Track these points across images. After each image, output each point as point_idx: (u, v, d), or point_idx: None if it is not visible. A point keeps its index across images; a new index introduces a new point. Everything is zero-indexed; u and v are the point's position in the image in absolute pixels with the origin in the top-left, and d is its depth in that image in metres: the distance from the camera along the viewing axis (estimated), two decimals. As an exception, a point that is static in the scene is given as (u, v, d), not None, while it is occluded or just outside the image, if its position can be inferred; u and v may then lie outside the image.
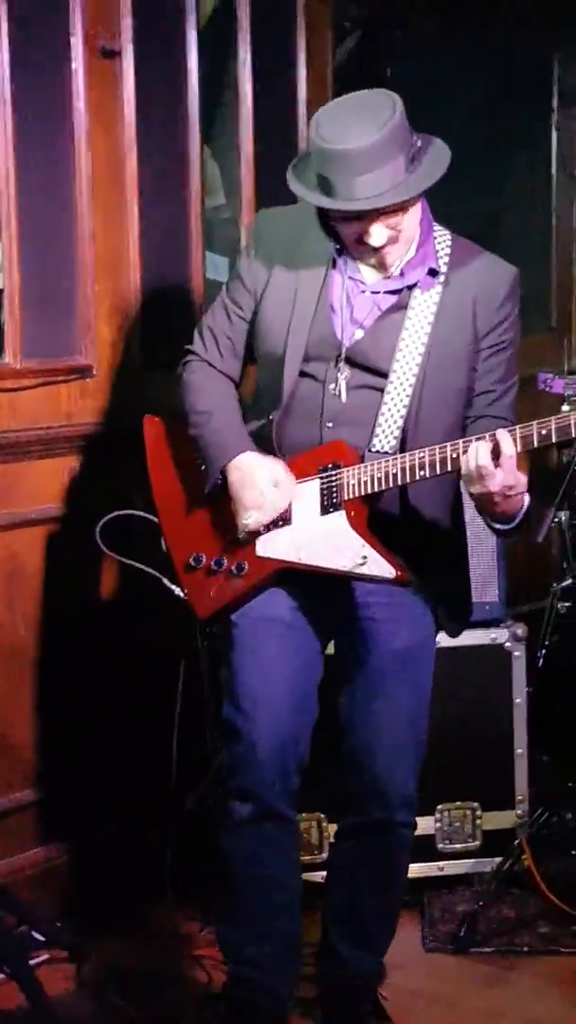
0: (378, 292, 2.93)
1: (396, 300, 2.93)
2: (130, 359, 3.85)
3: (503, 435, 2.66)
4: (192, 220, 4.00)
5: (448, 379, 2.91)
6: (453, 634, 3.13)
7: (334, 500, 2.88)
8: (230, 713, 2.95)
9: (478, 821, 3.81)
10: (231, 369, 3.08)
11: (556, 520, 3.57)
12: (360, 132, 2.69)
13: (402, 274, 2.92)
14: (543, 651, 4.22)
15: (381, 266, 2.90)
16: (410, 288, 2.91)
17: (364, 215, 2.76)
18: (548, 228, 5.46)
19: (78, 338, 3.75)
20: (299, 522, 2.92)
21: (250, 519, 2.91)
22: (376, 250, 2.83)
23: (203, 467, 3.00)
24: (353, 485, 2.86)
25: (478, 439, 2.70)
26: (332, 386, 2.90)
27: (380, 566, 2.82)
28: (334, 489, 2.89)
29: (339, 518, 2.87)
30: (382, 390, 2.89)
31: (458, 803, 3.79)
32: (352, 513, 2.86)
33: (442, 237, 2.95)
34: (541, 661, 4.21)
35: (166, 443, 3.19)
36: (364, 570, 2.84)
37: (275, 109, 4.20)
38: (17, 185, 3.57)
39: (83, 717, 3.78)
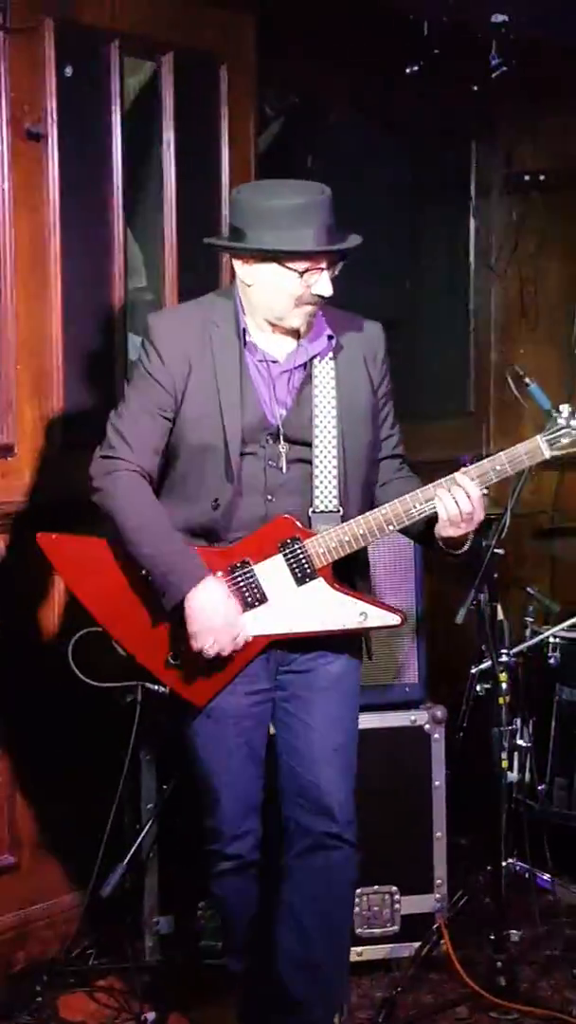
0: (288, 369, 3.14)
1: (304, 373, 3.14)
2: (52, 439, 3.90)
3: (465, 480, 3.02)
4: (115, 301, 4.08)
5: (362, 435, 3.19)
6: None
7: (307, 570, 3.09)
8: (199, 790, 3.21)
9: (396, 906, 3.83)
10: (155, 469, 3.14)
11: (475, 603, 3.63)
12: (308, 190, 3.03)
13: (301, 348, 3.14)
14: (462, 733, 4.24)
15: (306, 328, 3.11)
16: (311, 358, 3.14)
17: (331, 262, 3.02)
18: (466, 316, 5.55)
19: (0, 418, 3.80)
20: (277, 598, 3.10)
21: (212, 646, 3.03)
22: (313, 306, 3.05)
23: (157, 588, 3.06)
24: (322, 554, 3.08)
25: (437, 487, 3.04)
26: (272, 462, 3.10)
27: (383, 617, 3.14)
28: (303, 561, 3.08)
29: (319, 585, 3.10)
30: (310, 460, 3.11)
31: (376, 887, 3.83)
32: (328, 578, 3.09)
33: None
34: (460, 743, 4.23)
35: (75, 556, 3.19)
36: (368, 624, 3.14)
37: (198, 192, 4.27)
38: None
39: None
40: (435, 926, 3.83)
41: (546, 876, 4.21)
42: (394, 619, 3.16)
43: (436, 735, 3.92)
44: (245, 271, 3.08)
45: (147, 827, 3.51)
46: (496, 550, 3.75)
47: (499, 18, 4.85)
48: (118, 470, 3.09)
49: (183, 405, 3.09)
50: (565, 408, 3.11)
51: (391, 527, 3.09)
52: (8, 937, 3.82)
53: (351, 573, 3.19)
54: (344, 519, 3.11)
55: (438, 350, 5.40)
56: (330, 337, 3.16)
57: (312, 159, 4.69)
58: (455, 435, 5.38)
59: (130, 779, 3.74)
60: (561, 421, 3.10)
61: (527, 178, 5.45)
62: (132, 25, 4.07)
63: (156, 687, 3.16)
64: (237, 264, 3.10)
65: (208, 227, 4.27)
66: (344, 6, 4.60)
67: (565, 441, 3.08)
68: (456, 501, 3.02)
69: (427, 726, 3.90)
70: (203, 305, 3.21)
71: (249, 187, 3.18)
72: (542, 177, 5.44)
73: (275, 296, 3.06)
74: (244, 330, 3.12)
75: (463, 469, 3.05)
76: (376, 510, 3.10)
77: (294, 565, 3.09)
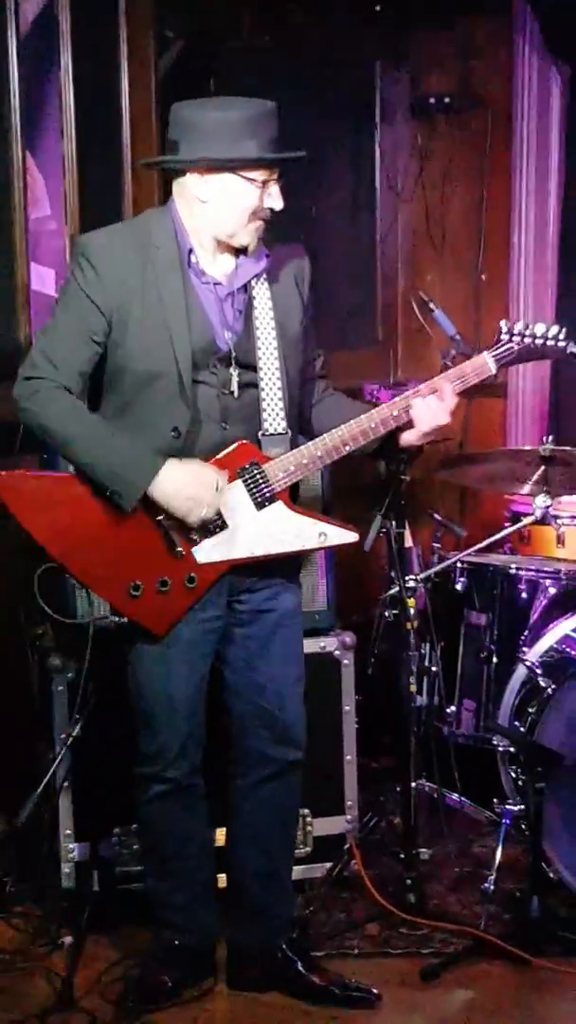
0: (231, 292, 3.16)
1: (245, 296, 3.17)
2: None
3: (445, 384, 3.18)
4: (16, 231, 4.05)
5: (298, 357, 3.25)
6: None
7: (266, 494, 3.15)
8: (143, 714, 3.26)
9: (308, 828, 3.88)
10: (82, 392, 3.11)
11: (383, 529, 3.65)
12: (256, 103, 3.06)
13: (241, 268, 3.16)
14: (372, 659, 4.33)
15: (254, 242, 3.12)
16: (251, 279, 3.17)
17: (285, 172, 3.06)
18: (372, 242, 5.56)
19: None
20: (237, 522, 3.15)
21: (206, 511, 3.07)
22: (263, 223, 3.08)
23: (111, 488, 3.04)
24: (281, 478, 3.15)
25: (415, 395, 3.17)
26: (224, 389, 3.13)
27: (341, 535, 3.23)
28: (262, 485, 3.14)
29: (279, 508, 3.17)
30: (256, 384, 3.15)
31: (289, 810, 3.91)
32: (286, 501, 3.18)
33: None
34: (370, 669, 4.32)
35: (27, 495, 3.12)
36: (328, 542, 3.24)
37: (97, 118, 4.27)
38: None
39: None
40: (346, 847, 3.89)
41: (455, 796, 4.28)
42: (352, 536, 3.25)
43: (345, 661, 3.97)
44: (200, 186, 3.05)
45: (60, 756, 3.54)
46: (404, 476, 3.79)
47: None
48: (43, 389, 3.05)
49: (126, 333, 3.06)
50: (512, 325, 3.24)
51: (347, 447, 3.18)
52: None
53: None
54: (291, 441, 3.17)
55: (344, 277, 5.40)
56: (267, 256, 3.17)
57: (214, 82, 4.68)
58: (363, 363, 5.42)
59: (44, 708, 3.79)
60: (504, 337, 3.22)
61: (432, 101, 5.45)
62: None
63: (117, 618, 3.17)
64: (191, 180, 3.06)
65: (110, 153, 4.30)
66: None
67: (509, 357, 3.22)
68: (431, 411, 3.17)
69: (336, 652, 3.95)
70: (139, 226, 3.18)
71: (194, 103, 3.11)
72: (447, 100, 5.44)
73: (231, 211, 3.06)
74: (190, 251, 3.11)
75: (440, 377, 3.20)
76: (332, 432, 3.17)
77: (253, 490, 3.14)
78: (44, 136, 4.26)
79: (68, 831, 3.77)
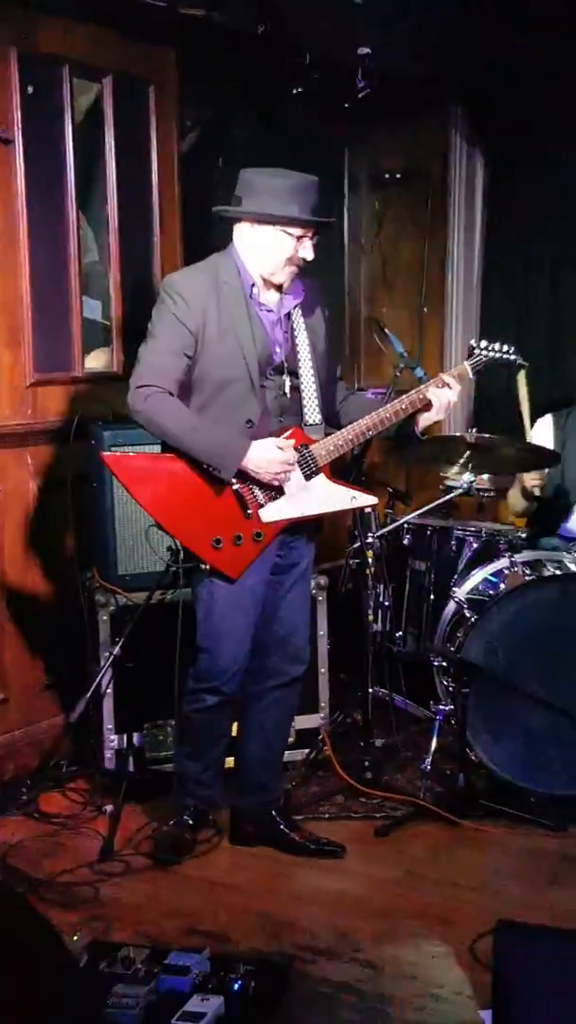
0: (280, 316, 3.15)
1: (288, 321, 3.16)
2: (18, 377, 3.83)
3: (451, 379, 3.20)
4: (71, 272, 4.00)
5: (326, 366, 3.26)
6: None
7: (313, 468, 3.15)
8: (204, 641, 3.21)
9: (292, 722, 3.81)
10: (180, 395, 3.08)
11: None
12: (305, 176, 3.07)
13: (285, 299, 3.15)
14: (339, 599, 4.20)
15: (289, 282, 3.12)
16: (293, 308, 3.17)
17: (317, 231, 3.06)
18: (342, 283, 5.52)
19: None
20: (291, 489, 3.14)
21: (282, 475, 3.09)
22: (299, 267, 3.08)
23: (214, 466, 3.04)
24: (323, 455, 3.15)
25: (432, 386, 3.18)
26: (278, 392, 3.14)
27: (366, 498, 3.26)
28: (310, 461, 3.14)
29: (321, 479, 3.17)
30: (298, 388, 3.14)
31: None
32: (327, 473, 3.18)
33: None
34: (339, 604, 4.20)
35: (137, 473, 3.11)
36: (357, 504, 3.25)
37: (133, 186, 4.20)
38: None
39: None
40: (320, 737, 3.90)
41: (401, 699, 4.28)
42: (374, 500, 3.31)
43: (320, 598, 3.96)
44: (251, 233, 3.06)
45: (103, 670, 3.50)
46: (363, 459, 3.76)
47: (364, 50, 4.78)
48: (153, 395, 3.02)
49: (204, 347, 3.04)
50: (480, 342, 3.30)
51: (371, 432, 3.17)
52: (1, 753, 3.82)
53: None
54: (323, 429, 3.17)
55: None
56: (303, 291, 3.16)
57: (222, 161, 4.61)
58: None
59: (92, 635, 3.75)
60: (477, 352, 3.27)
61: (387, 176, 5.41)
62: (80, 54, 3.98)
63: (202, 564, 3.13)
64: (244, 227, 3.07)
65: (142, 213, 4.23)
66: (246, 42, 4.52)
67: (480, 366, 3.28)
68: (450, 395, 3.19)
69: (314, 591, 3.91)
70: (209, 267, 3.14)
71: (257, 170, 3.09)
72: (399, 176, 5.39)
73: (272, 256, 3.06)
74: (252, 285, 3.09)
75: (440, 375, 3.22)
76: (360, 421, 3.16)
77: (304, 465, 3.14)
78: (93, 199, 4.19)
79: (110, 726, 3.75)
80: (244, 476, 3.08)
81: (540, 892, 3.16)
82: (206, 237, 3.16)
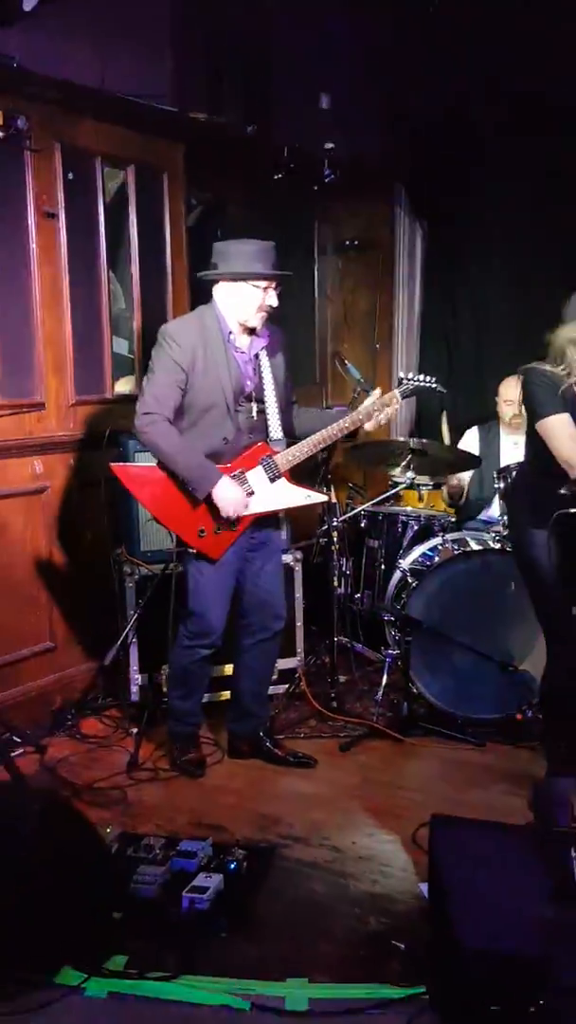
0: (250, 356, 3.10)
1: (256, 359, 3.11)
2: (63, 399, 3.80)
3: (394, 396, 3.14)
4: (103, 317, 3.95)
5: (285, 394, 3.20)
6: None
7: (276, 473, 3.11)
8: (196, 605, 3.16)
9: (275, 664, 3.77)
10: (173, 419, 3.03)
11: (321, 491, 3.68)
12: (265, 242, 3.03)
13: (255, 342, 3.10)
14: (311, 570, 4.19)
15: (261, 325, 3.07)
16: (260, 349, 3.13)
17: (278, 283, 3.01)
18: (312, 325, 5.48)
19: (36, 385, 3.70)
20: (259, 491, 3.11)
21: (232, 513, 3.05)
22: (266, 313, 3.04)
23: (191, 487, 3.00)
24: (283, 463, 3.11)
25: (373, 404, 3.12)
26: (248, 415, 3.09)
27: (318, 497, 3.22)
28: (273, 468, 3.10)
29: (283, 482, 3.13)
30: (263, 410, 3.09)
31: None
32: (287, 477, 3.14)
33: None
34: (312, 572, 4.19)
35: (139, 480, 3.07)
36: (310, 500, 3.20)
37: (151, 251, 4.16)
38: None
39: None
40: (297, 675, 3.87)
41: (359, 645, 4.25)
42: (323, 497, 3.26)
43: (297, 568, 3.93)
44: (228, 289, 3.02)
45: (130, 625, 3.49)
46: (329, 461, 3.75)
47: (329, 146, 4.82)
48: (156, 421, 2.98)
49: (193, 381, 3.00)
50: (408, 373, 3.26)
51: (320, 445, 3.13)
52: (51, 689, 3.80)
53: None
54: (285, 443, 3.12)
55: (301, 349, 5.38)
56: (268, 335, 3.12)
57: (220, 232, 4.53)
58: (310, 393, 5.31)
59: (121, 597, 3.73)
60: (404, 382, 3.22)
61: (347, 243, 5.36)
62: (109, 148, 3.93)
63: (189, 548, 3.11)
64: (224, 285, 3.03)
65: (158, 272, 4.18)
66: (238, 139, 4.50)
67: (408, 392, 3.22)
68: (383, 414, 3.14)
69: (292, 563, 3.90)
70: (197, 317, 3.10)
71: (227, 241, 3.05)
72: (356, 242, 5.35)
73: (246, 305, 3.01)
74: (230, 332, 3.05)
75: (375, 399, 3.14)
76: (314, 435, 3.11)
77: (268, 471, 3.09)
78: (120, 260, 4.14)
79: (135, 667, 3.72)
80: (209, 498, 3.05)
81: (464, 793, 3.17)
82: (209, 290, 3.13)
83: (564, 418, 2.79)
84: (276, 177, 4.74)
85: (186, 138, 4.20)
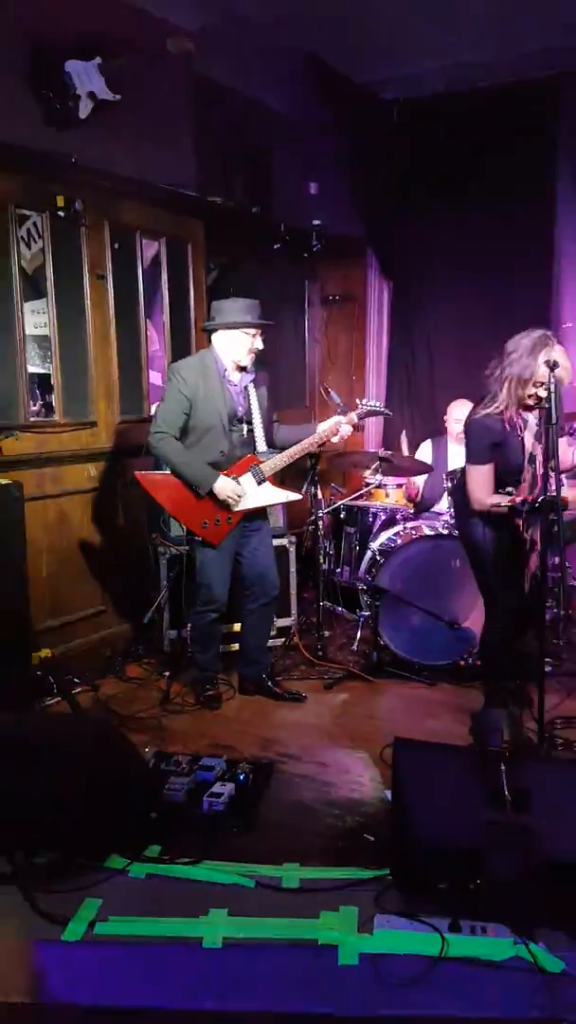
0: (241, 388, 3.08)
1: (245, 391, 3.08)
2: (111, 418, 3.78)
3: (352, 417, 3.12)
4: (142, 356, 3.94)
5: (268, 416, 3.17)
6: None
7: (262, 478, 3.09)
8: (203, 580, 3.14)
9: (273, 623, 3.76)
10: (180, 437, 3.03)
11: (309, 488, 3.67)
12: (252, 301, 3.01)
13: (245, 376, 3.08)
14: (303, 550, 4.19)
15: (251, 363, 3.05)
16: (249, 383, 3.10)
17: (264, 331, 2.98)
18: (303, 360, 5.43)
19: (90, 408, 3.68)
20: (249, 492, 3.09)
21: (236, 505, 3.03)
22: (255, 355, 3.02)
23: (195, 487, 2.99)
24: (268, 470, 3.09)
25: (334, 423, 3.11)
26: (240, 434, 3.07)
27: (296, 496, 3.18)
28: (260, 473, 3.08)
29: (267, 484, 3.11)
30: (251, 429, 3.08)
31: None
32: (272, 481, 3.12)
33: None
34: (303, 552, 4.18)
35: (157, 485, 3.06)
36: (290, 499, 3.17)
37: (178, 304, 4.14)
38: (59, 338, 3.52)
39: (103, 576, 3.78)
40: (291, 631, 3.86)
41: (340, 608, 4.23)
42: (299, 496, 3.23)
43: (291, 549, 3.91)
44: (225, 336, 3.00)
45: (163, 593, 3.48)
46: (316, 466, 3.74)
47: (316, 222, 4.79)
48: (165, 438, 2.98)
49: (195, 408, 2.99)
50: (363, 400, 3.24)
51: (297, 455, 3.10)
52: (102, 642, 3.77)
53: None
54: (268, 453, 3.10)
55: (291, 386, 5.34)
56: (254, 374, 3.09)
57: (232, 290, 4.52)
58: (301, 415, 5.29)
59: (156, 571, 3.71)
60: (361, 405, 3.20)
61: (330, 297, 5.34)
62: (146, 223, 3.91)
63: (196, 537, 3.10)
64: (221, 333, 3.00)
65: (183, 323, 4.16)
66: (246, 216, 4.49)
67: (362, 416, 3.21)
68: (343, 429, 3.13)
69: (287, 544, 3.88)
70: (199, 358, 3.08)
71: (222, 300, 3.04)
72: (337, 298, 5.32)
73: (239, 348, 2.99)
74: (225, 370, 3.03)
75: (339, 419, 3.13)
76: (293, 447, 3.09)
77: (255, 477, 3.07)
78: (154, 312, 4.14)
79: (166, 625, 3.71)
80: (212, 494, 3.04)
81: (420, 722, 3.16)
82: (210, 337, 3.12)
83: (484, 469, 2.76)
84: (275, 246, 4.71)
85: (205, 216, 4.20)
